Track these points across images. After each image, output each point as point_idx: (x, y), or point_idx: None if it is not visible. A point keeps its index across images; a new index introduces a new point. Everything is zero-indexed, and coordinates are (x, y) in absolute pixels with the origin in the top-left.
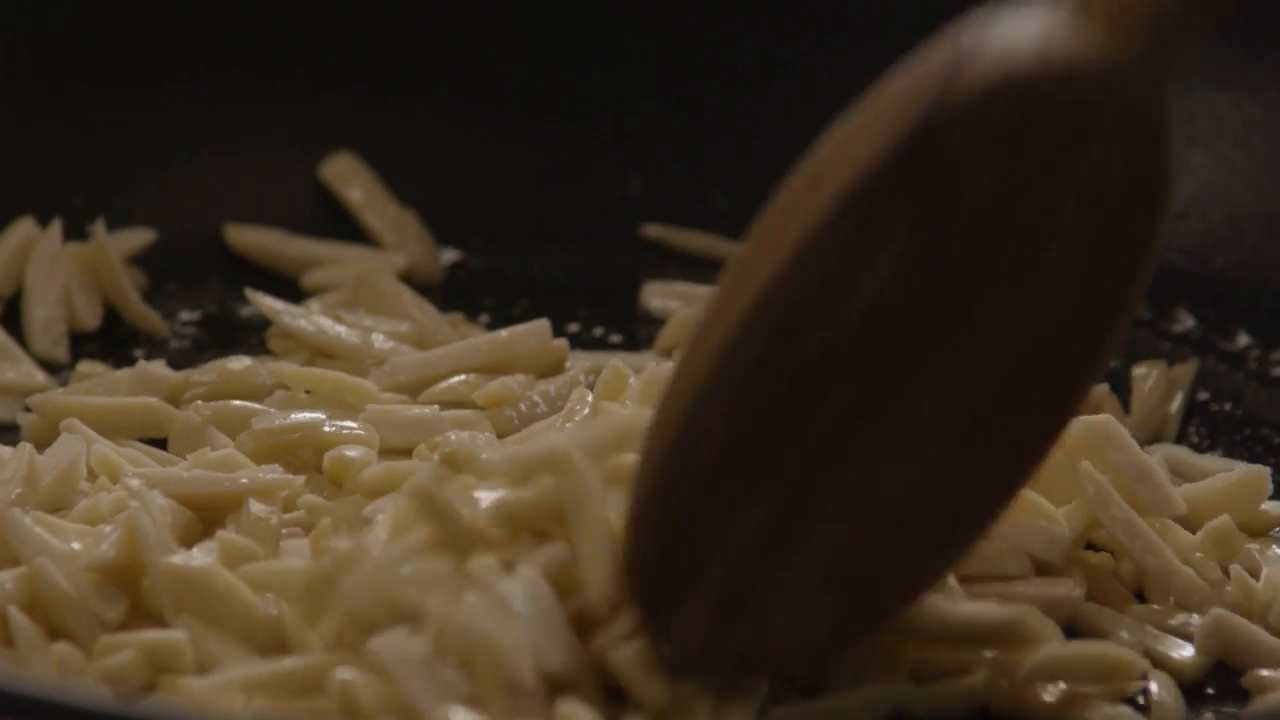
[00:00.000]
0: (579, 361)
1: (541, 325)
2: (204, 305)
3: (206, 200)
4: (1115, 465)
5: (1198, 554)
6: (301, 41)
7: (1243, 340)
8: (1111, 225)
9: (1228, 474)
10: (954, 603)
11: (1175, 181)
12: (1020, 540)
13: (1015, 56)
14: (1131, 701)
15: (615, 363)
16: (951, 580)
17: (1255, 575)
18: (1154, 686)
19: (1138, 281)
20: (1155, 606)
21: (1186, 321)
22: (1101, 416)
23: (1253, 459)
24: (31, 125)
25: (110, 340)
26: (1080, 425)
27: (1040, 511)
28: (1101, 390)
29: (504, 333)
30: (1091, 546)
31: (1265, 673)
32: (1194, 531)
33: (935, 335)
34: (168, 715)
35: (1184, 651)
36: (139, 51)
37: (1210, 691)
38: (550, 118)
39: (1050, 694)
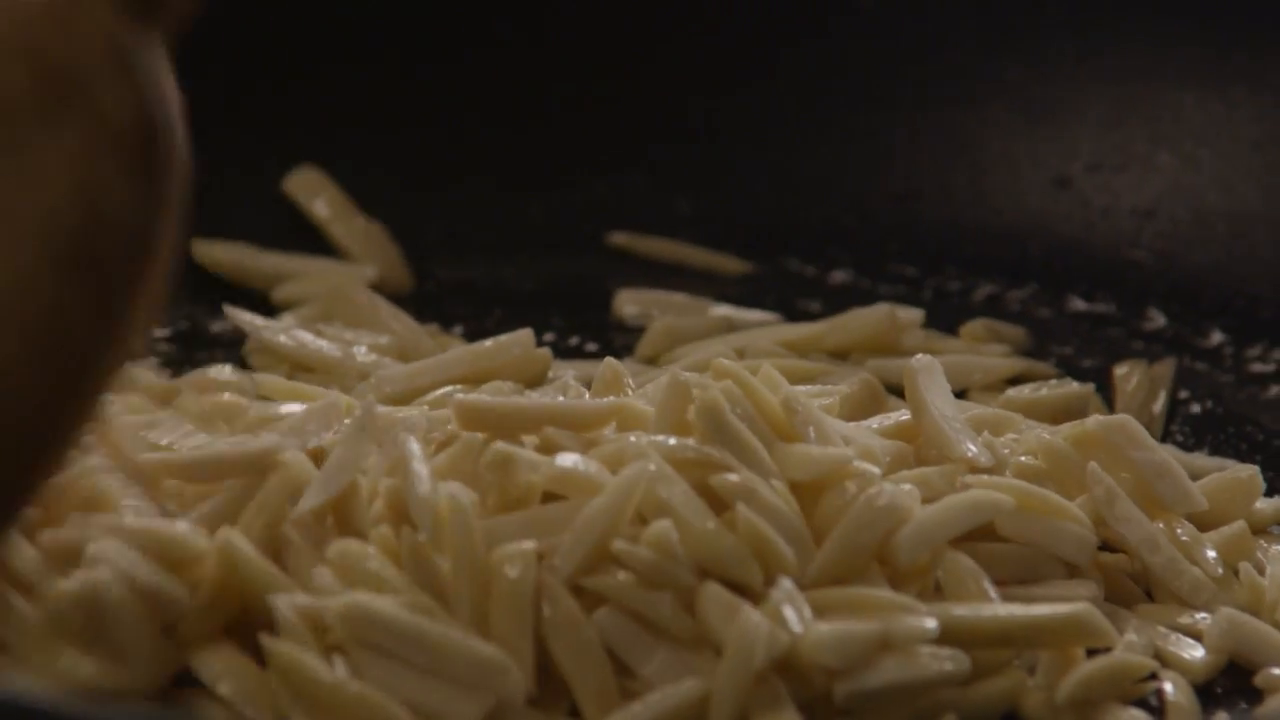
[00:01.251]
0: (564, 371)
1: (525, 335)
2: (174, 321)
3: None
4: (1136, 462)
5: (1210, 552)
6: (263, 55)
7: (1216, 338)
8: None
9: (1220, 473)
10: (1011, 604)
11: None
12: (1049, 544)
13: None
14: (1144, 704)
15: (610, 360)
16: (988, 584)
17: (1260, 573)
18: (1168, 687)
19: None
20: (1165, 606)
21: (1158, 320)
22: (1119, 415)
23: (1238, 456)
24: None
25: None
26: (1098, 424)
27: (1068, 515)
28: (1087, 390)
29: (488, 343)
30: (1107, 547)
31: (1278, 671)
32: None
33: None
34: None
35: (1195, 652)
36: None
37: (1220, 690)
38: (513, 127)
39: (1064, 697)
